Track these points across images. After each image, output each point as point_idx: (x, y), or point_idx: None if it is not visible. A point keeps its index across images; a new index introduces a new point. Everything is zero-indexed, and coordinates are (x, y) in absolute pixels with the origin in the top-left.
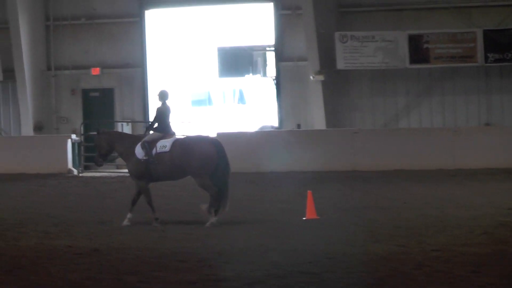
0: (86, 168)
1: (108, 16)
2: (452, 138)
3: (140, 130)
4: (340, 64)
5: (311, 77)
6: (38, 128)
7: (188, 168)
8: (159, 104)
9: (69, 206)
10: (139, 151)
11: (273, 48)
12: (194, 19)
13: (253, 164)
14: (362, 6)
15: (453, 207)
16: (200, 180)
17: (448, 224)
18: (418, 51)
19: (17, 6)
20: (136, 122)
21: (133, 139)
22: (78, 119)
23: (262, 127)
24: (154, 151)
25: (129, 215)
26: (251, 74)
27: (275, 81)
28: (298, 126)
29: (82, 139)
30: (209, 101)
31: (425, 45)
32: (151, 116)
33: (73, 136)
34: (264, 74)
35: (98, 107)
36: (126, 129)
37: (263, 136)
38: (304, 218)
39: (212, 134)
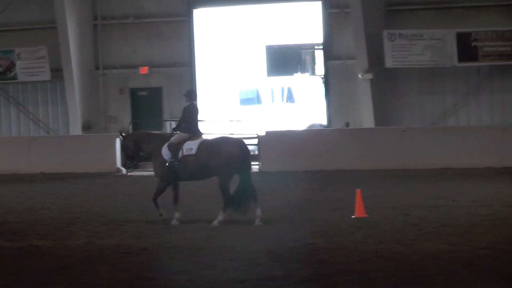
0: (134, 167)
1: (156, 15)
2: (501, 136)
3: None
4: (389, 63)
5: (360, 76)
6: (86, 127)
7: (213, 168)
8: (187, 104)
9: (118, 205)
10: (165, 153)
11: (321, 47)
12: (242, 18)
13: (302, 162)
14: (410, 4)
15: (501, 205)
16: (222, 180)
17: (496, 222)
18: (466, 49)
19: (64, 6)
20: None
21: (160, 139)
22: (126, 118)
23: (311, 126)
24: (180, 154)
25: (176, 215)
26: (299, 72)
27: (324, 79)
28: (347, 124)
29: None
30: (257, 99)
31: (473, 43)
32: (200, 115)
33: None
34: (313, 73)
35: (146, 106)
36: None
37: (312, 135)
38: (353, 217)
39: (261, 132)
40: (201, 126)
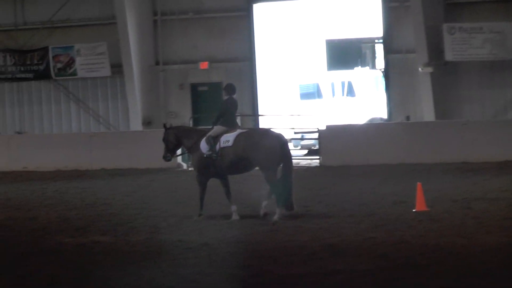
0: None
1: (216, 10)
2: None
3: (249, 124)
4: (449, 56)
5: (420, 69)
6: (146, 123)
7: (255, 161)
8: (225, 97)
9: (179, 201)
10: (203, 146)
11: (381, 40)
12: (302, 12)
13: (363, 156)
14: None
15: None
16: (267, 173)
17: None
18: None
19: (124, 2)
20: (245, 115)
21: (199, 134)
22: (186, 114)
23: (371, 120)
24: (217, 146)
25: (233, 208)
26: (359, 66)
27: (384, 73)
28: (407, 118)
29: None
30: (318, 94)
31: None
32: (261, 110)
33: None
34: (373, 67)
35: (206, 101)
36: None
37: (373, 129)
38: (413, 210)
39: (322, 126)
40: (238, 120)
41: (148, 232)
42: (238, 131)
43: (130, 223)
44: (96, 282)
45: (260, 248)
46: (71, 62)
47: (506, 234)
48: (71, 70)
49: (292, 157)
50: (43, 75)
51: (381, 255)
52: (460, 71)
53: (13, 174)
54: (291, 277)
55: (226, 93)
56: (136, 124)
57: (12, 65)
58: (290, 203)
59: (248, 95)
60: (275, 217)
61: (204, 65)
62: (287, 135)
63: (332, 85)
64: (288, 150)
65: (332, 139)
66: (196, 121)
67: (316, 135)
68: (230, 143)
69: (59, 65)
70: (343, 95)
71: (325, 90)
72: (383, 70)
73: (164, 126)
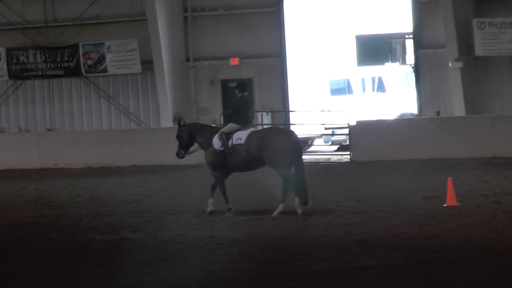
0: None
1: (246, 6)
2: None
3: (280, 120)
4: (479, 51)
5: (450, 64)
6: (177, 119)
7: (266, 159)
8: (238, 95)
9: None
10: (216, 142)
11: (411, 36)
12: (332, 7)
13: (393, 152)
14: None
15: None
16: (280, 171)
17: None
18: None
19: None
20: (275, 111)
21: (212, 131)
22: (217, 110)
23: (402, 115)
24: (230, 143)
25: (210, 201)
26: (390, 62)
27: (414, 68)
28: (438, 113)
29: None
30: (348, 89)
31: None
32: (291, 105)
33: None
34: (403, 62)
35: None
36: (266, 119)
37: (403, 124)
38: (444, 205)
39: (352, 122)
40: (251, 117)
41: (179, 228)
42: (251, 129)
43: (160, 219)
44: (127, 279)
45: (291, 244)
46: (102, 59)
47: None
48: (102, 67)
49: (322, 153)
50: (73, 72)
51: (412, 250)
52: (490, 65)
53: (44, 171)
54: (323, 272)
55: (238, 91)
56: (166, 120)
57: (43, 62)
58: (305, 199)
59: (278, 91)
60: (275, 213)
61: (234, 61)
62: (318, 130)
63: (363, 80)
64: (300, 148)
65: (362, 134)
66: (226, 118)
67: (346, 131)
68: (242, 141)
69: (89, 62)
70: (373, 90)
71: (355, 86)
72: (413, 65)
73: (178, 123)
